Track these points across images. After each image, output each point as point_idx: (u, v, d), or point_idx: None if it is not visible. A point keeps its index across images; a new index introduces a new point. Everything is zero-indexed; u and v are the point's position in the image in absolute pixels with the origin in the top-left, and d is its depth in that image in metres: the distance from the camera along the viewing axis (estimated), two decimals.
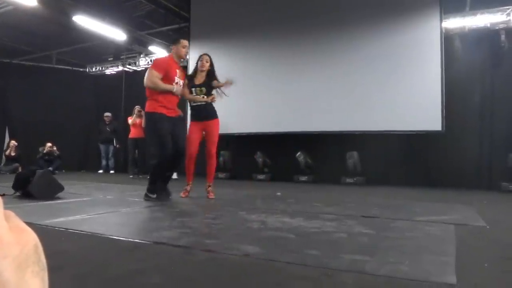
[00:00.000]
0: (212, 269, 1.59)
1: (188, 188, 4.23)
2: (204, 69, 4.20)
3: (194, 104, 4.23)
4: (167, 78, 3.90)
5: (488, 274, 1.57)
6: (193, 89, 4.17)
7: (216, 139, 4.22)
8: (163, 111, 3.87)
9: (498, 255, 1.90)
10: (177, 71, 4.03)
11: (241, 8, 8.23)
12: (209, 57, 4.26)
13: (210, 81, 4.19)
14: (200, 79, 4.22)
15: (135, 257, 1.76)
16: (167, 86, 3.88)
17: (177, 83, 3.97)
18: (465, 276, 1.48)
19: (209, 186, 4.25)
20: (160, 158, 3.93)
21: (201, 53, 4.33)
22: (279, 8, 7.75)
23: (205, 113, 4.19)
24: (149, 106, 3.93)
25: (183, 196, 4.17)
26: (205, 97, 4.14)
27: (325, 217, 2.92)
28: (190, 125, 4.32)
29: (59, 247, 1.86)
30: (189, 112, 4.47)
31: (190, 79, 4.22)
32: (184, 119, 5.21)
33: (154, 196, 3.93)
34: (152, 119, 3.94)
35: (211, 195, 4.19)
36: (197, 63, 4.28)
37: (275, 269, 1.59)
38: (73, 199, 3.88)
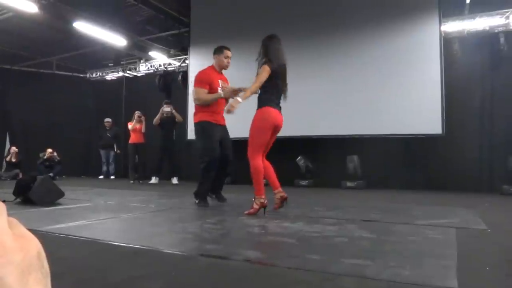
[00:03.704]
0: (213, 275, 1.59)
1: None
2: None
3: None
4: (211, 89, 3.99)
5: (490, 277, 1.57)
6: None
7: (249, 138, 3.57)
8: (211, 119, 3.99)
9: (499, 258, 1.90)
10: (220, 81, 4.10)
11: (241, 13, 8.26)
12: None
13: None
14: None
15: (136, 263, 1.76)
16: (214, 96, 3.96)
17: (221, 87, 4.06)
18: (467, 280, 1.48)
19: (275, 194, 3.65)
20: (209, 161, 3.89)
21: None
22: (279, 13, 7.76)
23: None
24: (198, 117, 4.04)
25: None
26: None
27: (325, 222, 2.92)
28: None
29: (59, 253, 1.86)
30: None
31: None
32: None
33: (197, 201, 3.95)
34: (201, 126, 4.00)
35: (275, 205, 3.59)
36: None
37: (276, 274, 1.58)
38: (73, 205, 3.88)
